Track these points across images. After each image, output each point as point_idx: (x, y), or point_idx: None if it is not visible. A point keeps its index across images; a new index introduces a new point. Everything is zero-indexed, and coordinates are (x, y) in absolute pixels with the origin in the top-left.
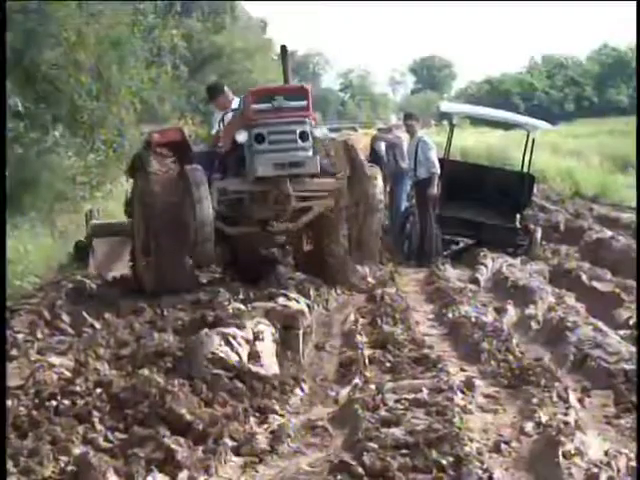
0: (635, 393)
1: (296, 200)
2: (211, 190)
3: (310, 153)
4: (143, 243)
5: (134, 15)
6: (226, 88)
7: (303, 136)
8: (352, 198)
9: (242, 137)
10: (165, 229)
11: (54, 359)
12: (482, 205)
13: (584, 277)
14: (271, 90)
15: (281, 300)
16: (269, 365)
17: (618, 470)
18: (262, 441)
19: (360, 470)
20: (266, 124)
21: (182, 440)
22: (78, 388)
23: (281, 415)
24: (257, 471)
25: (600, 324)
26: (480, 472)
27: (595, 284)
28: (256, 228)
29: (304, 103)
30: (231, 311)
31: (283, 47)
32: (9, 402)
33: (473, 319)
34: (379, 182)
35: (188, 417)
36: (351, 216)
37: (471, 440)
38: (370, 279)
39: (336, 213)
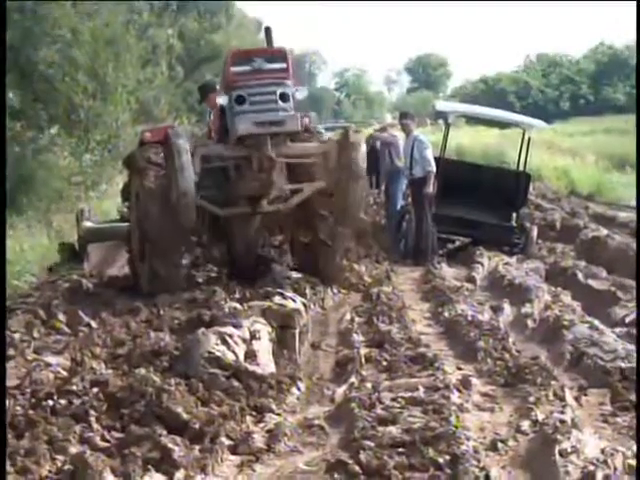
0: (633, 391)
1: (285, 180)
2: (194, 157)
3: (291, 112)
4: (139, 243)
5: (129, 14)
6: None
7: (283, 97)
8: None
9: (223, 100)
10: (159, 230)
11: (50, 358)
12: (478, 204)
13: (580, 275)
14: (250, 52)
15: (277, 299)
16: (265, 364)
17: (615, 468)
18: (259, 440)
19: (357, 468)
20: (246, 86)
21: (179, 439)
22: (74, 387)
23: (278, 414)
24: (254, 470)
25: (596, 322)
26: (477, 470)
27: (591, 282)
28: (246, 208)
29: (284, 65)
30: (227, 310)
31: (267, 28)
32: (5, 402)
33: (469, 318)
34: (362, 149)
35: (185, 416)
36: (335, 184)
37: (467, 438)
38: (366, 278)
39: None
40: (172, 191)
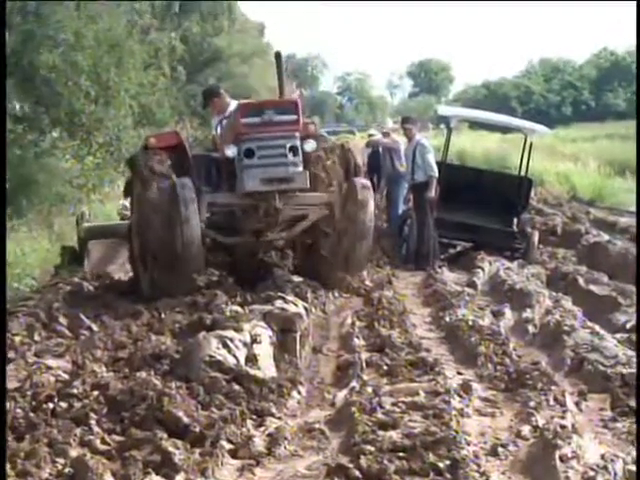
0: (633, 397)
1: (289, 208)
2: (200, 203)
3: (300, 168)
4: (140, 248)
5: (131, 16)
6: (222, 91)
7: (293, 150)
8: (343, 215)
9: (231, 152)
10: (161, 244)
11: (51, 361)
12: (480, 208)
13: (581, 281)
14: (260, 104)
15: (279, 303)
16: (266, 368)
17: (615, 474)
18: (259, 444)
19: (357, 473)
20: (255, 138)
21: (179, 443)
22: (75, 390)
23: (278, 418)
24: (254, 474)
25: (597, 328)
26: (477, 475)
27: (592, 288)
28: (251, 238)
29: (294, 117)
30: (229, 314)
31: (277, 54)
32: (6, 404)
33: (470, 322)
34: (370, 208)
35: (185, 420)
36: (341, 233)
37: (468, 443)
38: (368, 282)
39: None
40: (177, 240)
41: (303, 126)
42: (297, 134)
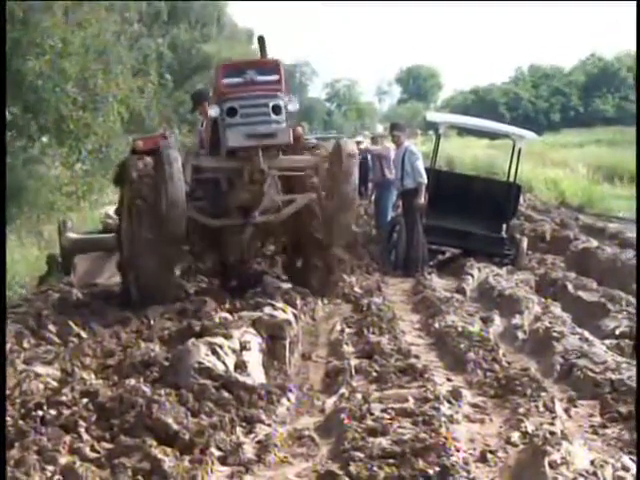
0: (622, 403)
1: (278, 191)
2: (185, 168)
3: (284, 125)
4: (129, 254)
5: (120, 24)
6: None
7: (276, 109)
8: (327, 183)
9: (214, 111)
10: (149, 242)
11: (40, 369)
12: (468, 215)
13: (570, 287)
14: (242, 64)
15: (268, 310)
16: (256, 375)
17: None
18: (249, 451)
19: None
20: (238, 97)
21: (169, 450)
22: (64, 398)
23: (268, 425)
24: None
25: (586, 334)
26: None
27: (581, 294)
28: (237, 219)
29: (276, 77)
30: (218, 321)
31: (260, 37)
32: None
33: (459, 329)
34: (354, 178)
35: (175, 427)
36: (325, 195)
37: (457, 450)
38: (357, 288)
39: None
40: (162, 200)
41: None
42: (280, 94)
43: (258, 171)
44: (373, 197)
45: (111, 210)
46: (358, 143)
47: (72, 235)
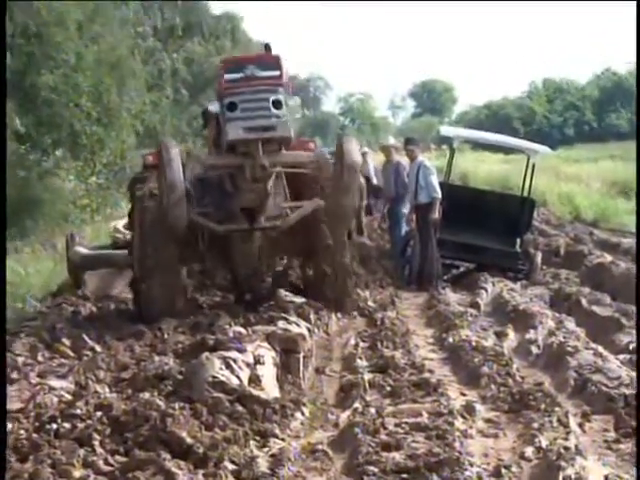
0: (635, 418)
1: (284, 197)
2: (187, 167)
3: (284, 119)
4: (140, 268)
5: (134, 39)
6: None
7: (276, 104)
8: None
9: (215, 107)
10: (159, 258)
11: (54, 382)
12: (482, 229)
13: (584, 302)
14: (243, 59)
15: (281, 324)
16: (270, 389)
17: None
18: (263, 465)
19: None
20: (238, 93)
21: (182, 464)
22: (78, 411)
23: (281, 439)
24: None
25: (600, 349)
26: None
27: (595, 309)
28: (244, 224)
29: (277, 72)
30: (232, 334)
31: (267, 45)
32: (9, 425)
33: (473, 343)
34: (352, 192)
35: (189, 440)
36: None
37: (471, 464)
38: (371, 303)
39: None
40: (162, 191)
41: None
42: (280, 89)
43: (260, 166)
44: (385, 210)
45: (120, 224)
46: (364, 155)
47: (81, 250)
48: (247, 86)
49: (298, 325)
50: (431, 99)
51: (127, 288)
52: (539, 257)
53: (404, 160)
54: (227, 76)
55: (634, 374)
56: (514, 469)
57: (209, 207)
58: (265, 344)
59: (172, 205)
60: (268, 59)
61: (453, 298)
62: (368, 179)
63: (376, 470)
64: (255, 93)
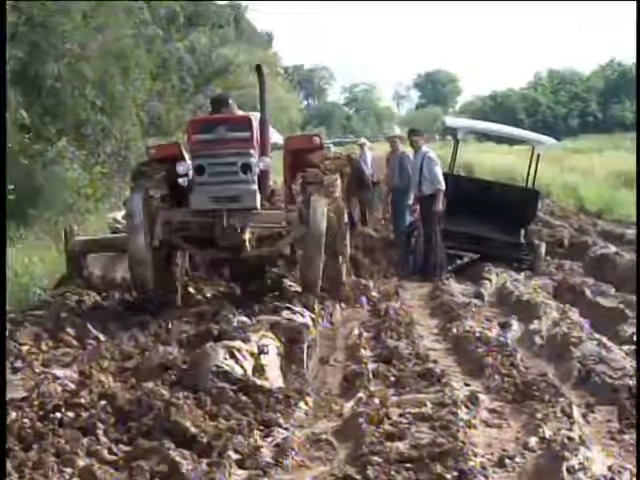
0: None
1: (252, 244)
2: (157, 222)
3: (252, 187)
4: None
5: (136, 28)
6: (231, 101)
7: (245, 168)
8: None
9: (182, 169)
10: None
11: (58, 371)
12: (487, 220)
13: (588, 292)
14: (213, 120)
15: (285, 314)
16: (274, 378)
17: None
18: (266, 454)
19: None
20: (206, 155)
21: (187, 453)
22: (82, 400)
23: (285, 428)
24: None
25: (604, 339)
26: None
27: (599, 299)
28: (228, 254)
29: (247, 134)
30: (236, 324)
31: (258, 67)
32: (13, 414)
33: (477, 334)
34: (320, 213)
35: (193, 430)
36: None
37: (475, 455)
38: (374, 293)
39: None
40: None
41: (299, 140)
42: (252, 151)
43: (229, 228)
44: (389, 200)
45: (119, 215)
46: (361, 145)
47: (81, 238)
48: (216, 148)
49: (302, 315)
50: (436, 90)
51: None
52: (543, 248)
53: (409, 151)
54: (196, 137)
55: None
56: (518, 459)
57: (194, 228)
58: (269, 334)
59: (134, 269)
60: (238, 120)
61: (457, 288)
62: (361, 175)
63: (380, 460)
64: (224, 157)
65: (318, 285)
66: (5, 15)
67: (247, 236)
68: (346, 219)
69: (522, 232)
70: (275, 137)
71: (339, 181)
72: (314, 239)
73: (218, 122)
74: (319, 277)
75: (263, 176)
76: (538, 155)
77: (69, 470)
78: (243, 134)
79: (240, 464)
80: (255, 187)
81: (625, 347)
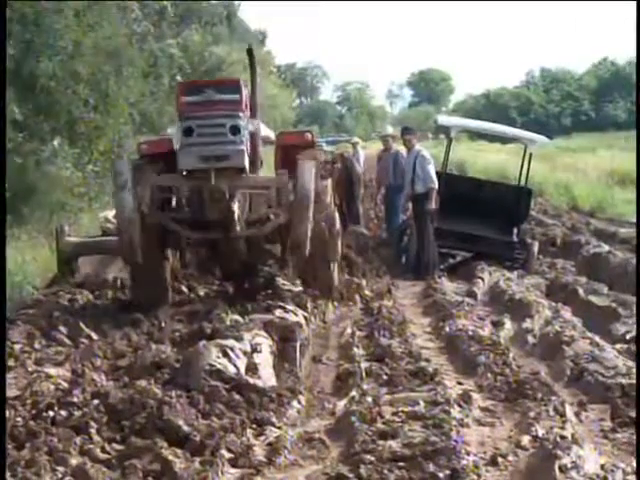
0: (633, 407)
1: (242, 225)
2: (145, 187)
3: (240, 147)
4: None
5: (128, 26)
6: None
7: (234, 130)
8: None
9: (172, 130)
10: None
11: (51, 370)
12: (479, 219)
13: (581, 291)
14: (202, 82)
15: (278, 312)
16: (266, 377)
17: None
18: (259, 453)
19: None
20: (195, 117)
21: (179, 451)
22: (75, 399)
23: (278, 427)
24: None
25: (597, 338)
26: None
27: (592, 298)
28: (218, 233)
29: (236, 96)
30: (229, 323)
31: (249, 50)
32: (6, 412)
33: (470, 332)
34: (307, 174)
35: (185, 429)
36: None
37: (468, 453)
38: (367, 292)
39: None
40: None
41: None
42: (240, 114)
43: (217, 191)
44: (379, 198)
45: (110, 214)
46: (354, 144)
47: (72, 239)
48: (205, 110)
49: (295, 314)
50: (428, 88)
51: (121, 273)
52: (536, 246)
53: (403, 149)
54: (185, 99)
55: (631, 363)
56: (510, 458)
57: (183, 210)
58: (262, 332)
59: (122, 232)
60: (227, 83)
61: (450, 287)
62: (350, 173)
63: (372, 458)
64: (212, 118)
65: (306, 247)
66: (5, 15)
67: (236, 210)
68: (337, 226)
69: (515, 231)
70: (266, 132)
71: (330, 187)
72: (302, 200)
73: (207, 85)
74: (307, 238)
75: (252, 139)
76: (530, 154)
77: (62, 469)
78: (232, 96)
79: (233, 463)
80: (244, 147)
81: (618, 346)
